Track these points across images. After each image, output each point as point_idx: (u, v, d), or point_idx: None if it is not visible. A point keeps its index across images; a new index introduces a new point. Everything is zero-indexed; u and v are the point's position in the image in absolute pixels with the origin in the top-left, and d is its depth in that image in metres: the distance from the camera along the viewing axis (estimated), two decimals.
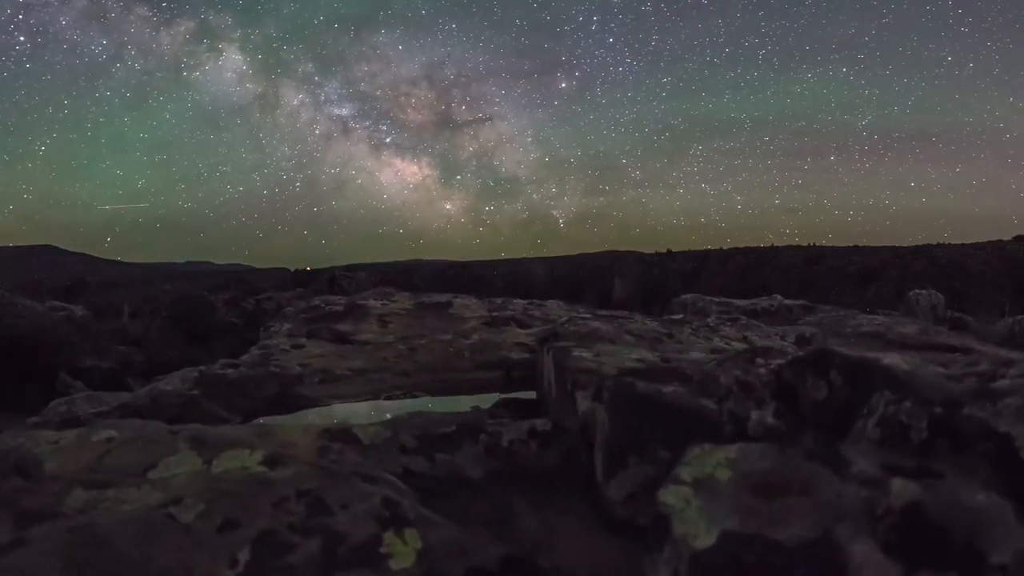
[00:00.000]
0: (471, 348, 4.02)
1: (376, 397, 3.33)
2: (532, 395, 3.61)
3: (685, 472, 0.94)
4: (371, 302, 5.07)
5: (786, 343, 4.62)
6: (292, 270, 28.31)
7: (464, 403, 3.50)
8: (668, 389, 1.30)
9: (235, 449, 1.34)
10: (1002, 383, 1.04)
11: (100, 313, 17.86)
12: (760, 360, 1.61)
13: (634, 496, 1.22)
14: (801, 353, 1.39)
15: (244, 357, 3.90)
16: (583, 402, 1.66)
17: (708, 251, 24.14)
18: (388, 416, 2.07)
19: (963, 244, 23.23)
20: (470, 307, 5.12)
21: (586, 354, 2.24)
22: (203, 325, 20.30)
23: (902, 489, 0.79)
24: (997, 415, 0.91)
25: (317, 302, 5.10)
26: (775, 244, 25.61)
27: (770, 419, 1.18)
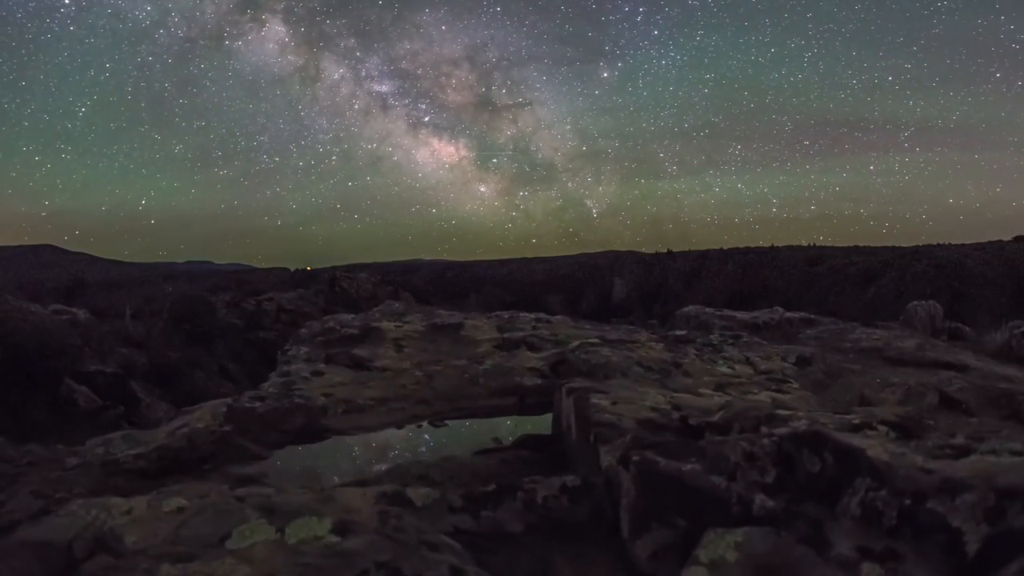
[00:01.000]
0: (485, 374, 4.25)
1: (399, 427, 3.56)
2: (546, 417, 3.85)
3: (703, 554, 1.18)
4: (384, 323, 5.29)
5: (787, 363, 4.88)
6: (292, 270, 28.44)
7: (481, 428, 3.74)
8: (686, 468, 1.53)
9: (303, 517, 1.56)
10: (966, 474, 1.28)
11: (101, 314, 18.03)
12: (764, 430, 1.84)
13: (657, 555, 1.46)
14: (800, 430, 1.62)
15: (267, 385, 4.12)
16: (606, 457, 1.90)
17: (708, 251, 24.38)
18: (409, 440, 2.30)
19: (963, 244, 23.53)
20: (481, 328, 5.34)
21: (604, 402, 2.48)
22: (204, 326, 20.48)
23: (870, 573, 1.03)
24: (954, 510, 1.15)
25: (332, 323, 5.31)
26: (775, 244, 25.86)
27: (770, 503, 1.42)
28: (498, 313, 7.07)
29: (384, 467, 2.72)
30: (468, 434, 3.48)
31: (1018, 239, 23.09)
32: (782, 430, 1.75)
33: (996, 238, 23.50)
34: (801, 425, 1.89)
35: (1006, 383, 4.88)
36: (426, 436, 3.38)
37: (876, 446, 1.44)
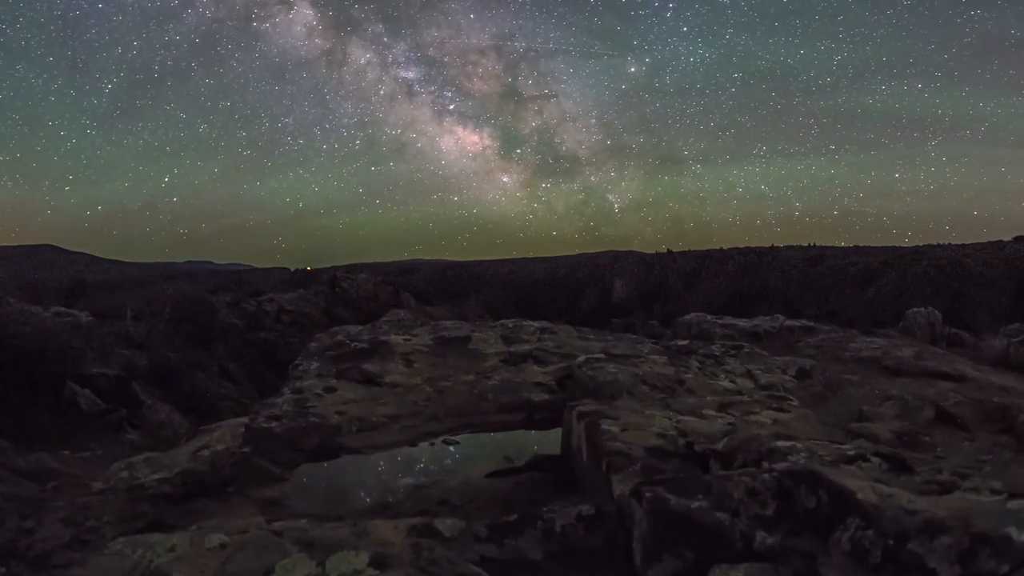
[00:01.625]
0: (494, 390, 4.40)
1: (412, 445, 3.71)
2: (554, 432, 4.00)
3: None
4: (393, 337, 5.43)
5: (787, 376, 5.03)
6: (292, 270, 28.59)
7: (492, 444, 3.88)
8: (694, 505, 1.69)
9: (341, 551, 1.70)
10: (946, 515, 1.43)
11: (102, 315, 18.13)
12: (765, 464, 1.99)
13: None
14: (798, 468, 1.77)
15: (280, 402, 4.25)
16: (618, 486, 2.06)
17: (708, 251, 24.54)
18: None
19: (963, 244, 23.72)
20: (488, 341, 5.49)
21: (614, 428, 2.63)
22: (205, 327, 20.60)
23: None
24: (931, 552, 1.30)
25: (341, 337, 5.45)
26: (775, 244, 26.04)
27: (770, 540, 1.57)
28: (503, 322, 7.21)
29: (404, 489, 2.86)
30: (480, 452, 3.63)
31: (1018, 239, 23.29)
32: (782, 465, 1.90)
33: (996, 238, 23.70)
34: (800, 459, 2.04)
35: (1002, 395, 5.05)
36: (440, 454, 3.53)
37: (866, 488, 1.59)
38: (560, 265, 27.66)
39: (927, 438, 3.78)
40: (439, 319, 26.40)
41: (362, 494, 2.90)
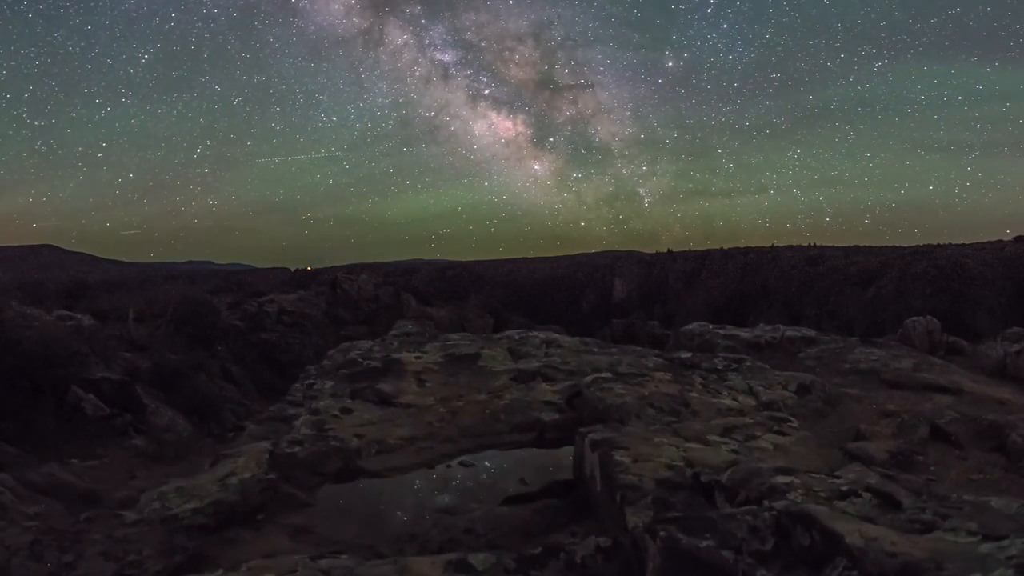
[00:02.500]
0: (505, 410, 4.62)
1: (430, 467, 3.93)
2: (564, 451, 4.22)
3: None
4: (404, 355, 5.64)
5: (787, 392, 5.25)
6: (292, 270, 28.76)
7: (505, 465, 4.09)
8: (703, 544, 1.90)
9: None
10: (923, 556, 1.64)
11: (104, 316, 18.27)
12: (766, 503, 2.21)
13: None
14: (794, 509, 1.99)
15: (299, 424, 4.45)
16: (632, 519, 2.28)
17: (708, 251, 24.76)
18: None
19: (963, 244, 23.96)
20: (496, 357, 5.70)
21: (626, 459, 2.85)
22: (206, 328, 20.76)
23: None
24: None
25: (354, 354, 5.66)
26: (775, 244, 26.27)
27: (768, 575, 1.78)
28: (508, 334, 7.42)
29: (430, 517, 3.07)
30: (496, 473, 3.84)
31: (1018, 239, 23.50)
32: (781, 504, 2.12)
33: (996, 238, 23.92)
34: (797, 495, 2.26)
35: (997, 408, 5.28)
36: (459, 477, 3.74)
37: (853, 532, 1.80)
38: (560, 265, 27.87)
39: (921, 457, 4.01)
40: (440, 321, 26.40)
41: (389, 521, 3.10)
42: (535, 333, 7.78)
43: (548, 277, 27.59)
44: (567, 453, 4.25)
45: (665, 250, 26.94)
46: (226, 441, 16.19)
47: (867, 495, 2.22)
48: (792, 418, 4.19)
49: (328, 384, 5.01)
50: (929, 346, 8.22)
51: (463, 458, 4.01)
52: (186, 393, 18.28)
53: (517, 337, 7.26)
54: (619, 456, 2.91)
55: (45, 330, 14.48)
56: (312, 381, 5.09)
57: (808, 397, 5.17)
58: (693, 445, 3.25)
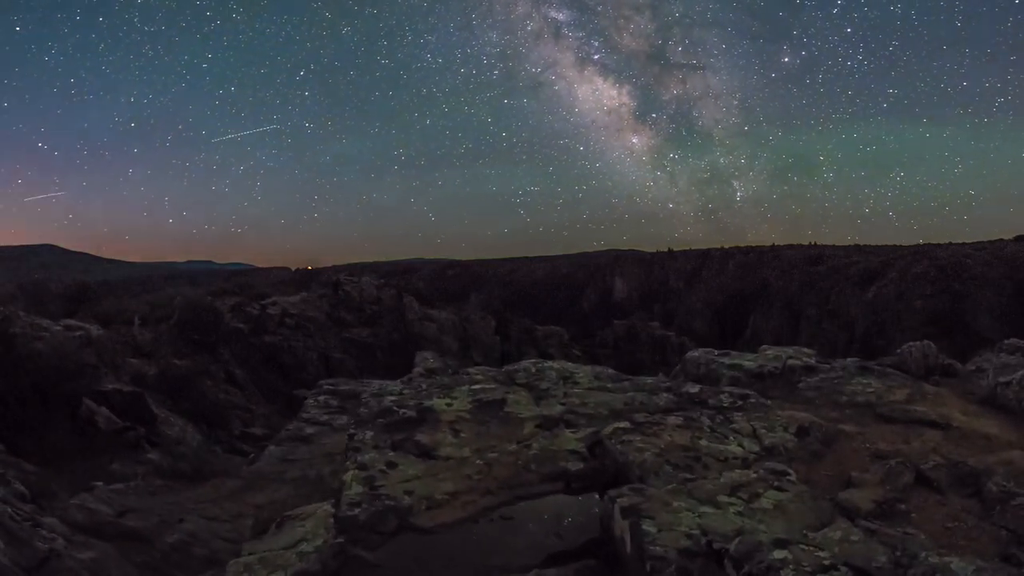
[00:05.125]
0: (535, 460, 5.25)
1: (475, 521, 4.58)
2: (588, 499, 4.88)
3: None
4: (436, 402, 6.27)
5: (788, 435, 5.90)
6: (293, 269, 29.31)
7: (539, 513, 4.74)
8: None
9: None
10: None
11: (108, 320, 18.85)
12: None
13: None
14: None
15: (349, 479, 5.01)
16: None
17: (709, 250, 25.40)
18: None
19: (963, 244, 24.68)
20: (520, 403, 6.34)
21: (652, 528, 3.49)
22: (211, 333, 21.40)
23: None
24: None
25: (388, 403, 6.26)
26: (776, 243, 26.92)
27: None
28: (525, 367, 8.02)
29: None
30: (533, 526, 4.49)
31: (1018, 239, 24.21)
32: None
33: (996, 238, 24.60)
34: (789, 572, 2.89)
35: (982, 444, 5.93)
36: (501, 530, 4.39)
37: None
38: (561, 264, 28.48)
39: (903, 505, 4.67)
40: (443, 323, 26.87)
41: None
42: (550, 364, 8.44)
43: (549, 276, 28.30)
44: (591, 501, 4.91)
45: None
46: (241, 453, 16.83)
47: (844, 569, 2.85)
48: (791, 471, 4.84)
49: (368, 435, 5.61)
50: (924, 370, 8.84)
51: (503, 511, 4.65)
52: (193, 400, 19.00)
53: (534, 370, 7.91)
54: (647, 526, 3.54)
55: (55, 343, 15.12)
56: (354, 431, 5.70)
57: (807, 439, 5.82)
58: (706, 509, 3.89)
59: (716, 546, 3.35)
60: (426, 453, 5.33)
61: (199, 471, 12.46)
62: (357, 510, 4.42)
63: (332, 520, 4.33)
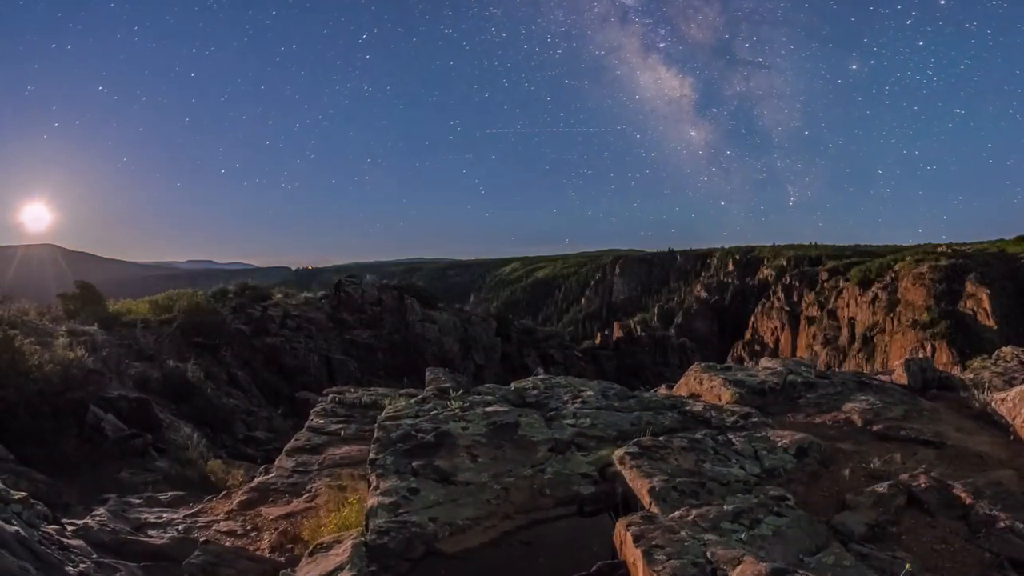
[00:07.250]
0: (550, 484, 5.65)
1: (497, 546, 4.97)
2: (600, 519, 5.28)
3: None
4: (452, 426, 6.65)
5: (788, 456, 6.30)
6: (294, 269, 29.64)
7: (555, 539, 5.13)
8: None
9: None
10: None
11: (111, 323, 19.14)
12: None
13: None
14: None
15: (376, 507, 5.36)
16: None
17: (710, 249, 25.81)
18: None
19: (963, 244, 25.17)
20: (533, 425, 6.74)
21: (662, 556, 3.89)
22: (212, 335, 21.73)
23: None
24: None
25: (407, 427, 6.63)
26: (776, 243, 27.37)
27: None
28: (534, 383, 8.41)
29: None
30: (551, 552, 4.89)
31: (1019, 239, 24.69)
32: None
33: (996, 237, 25.07)
34: None
35: (974, 463, 6.33)
36: (521, 556, 4.78)
37: None
38: (561, 264, 28.86)
39: (894, 528, 5.08)
40: (444, 325, 27.26)
41: None
42: (558, 380, 8.84)
43: (549, 276, 28.67)
44: (603, 523, 5.31)
45: (667, 249, 27.92)
46: (245, 457, 17.18)
47: None
48: (789, 496, 5.25)
49: (389, 460, 5.98)
50: (922, 384, 9.26)
51: (523, 537, 5.05)
52: (197, 404, 19.39)
53: (543, 387, 8.31)
54: (658, 555, 3.94)
55: (61, 351, 15.42)
56: (375, 456, 6.06)
57: (805, 460, 6.23)
58: (711, 537, 4.30)
59: (719, 575, 3.75)
60: (446, 478, 5.70)
61: (207, 479, 12.83)
62: (386, 538, 4.79)
63: (364, 548, 4.70)
